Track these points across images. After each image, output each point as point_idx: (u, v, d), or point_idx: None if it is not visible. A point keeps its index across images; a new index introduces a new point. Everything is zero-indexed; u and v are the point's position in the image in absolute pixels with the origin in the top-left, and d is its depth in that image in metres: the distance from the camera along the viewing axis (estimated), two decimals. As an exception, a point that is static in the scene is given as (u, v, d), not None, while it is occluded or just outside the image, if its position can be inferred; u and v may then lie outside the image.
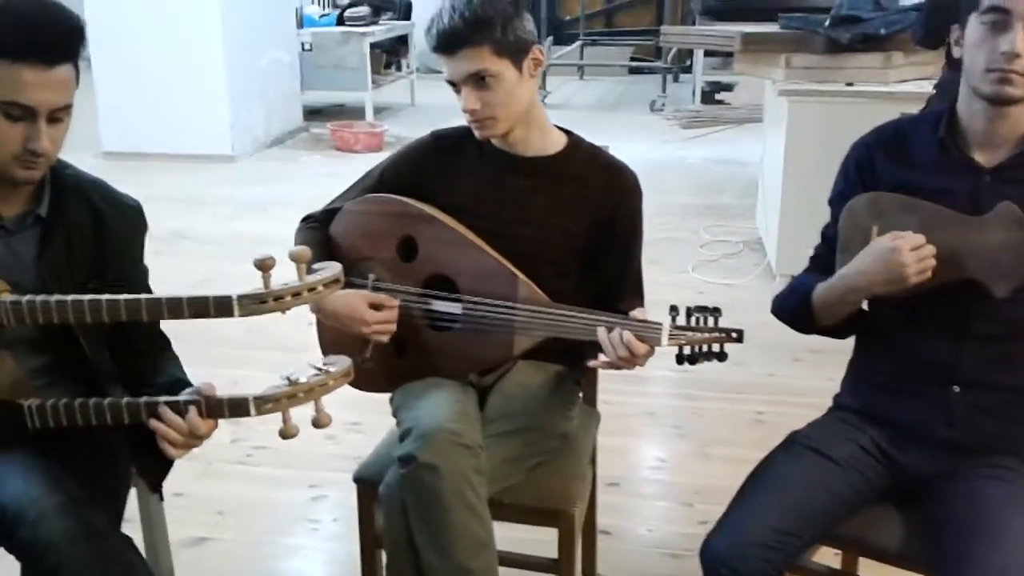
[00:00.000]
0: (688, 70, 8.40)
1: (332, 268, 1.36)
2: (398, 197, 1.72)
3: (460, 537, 1.44)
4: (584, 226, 1.68)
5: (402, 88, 8.30)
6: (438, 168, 1.73)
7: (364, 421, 2.70)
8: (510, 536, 1.67)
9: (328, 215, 1.81)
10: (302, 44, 7.24)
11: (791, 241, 3.61)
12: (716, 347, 1.50)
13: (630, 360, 1.49)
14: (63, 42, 1.38)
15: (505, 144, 1.70)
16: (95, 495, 1.40)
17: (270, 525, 2.35)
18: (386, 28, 7.86)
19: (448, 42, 1.59)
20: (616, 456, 2.56)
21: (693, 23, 7.79)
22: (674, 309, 1.49)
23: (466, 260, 1.65)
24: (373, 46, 7.41)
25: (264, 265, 1.29)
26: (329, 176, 5.91)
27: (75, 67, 1.42)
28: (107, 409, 1.38)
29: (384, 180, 1.78)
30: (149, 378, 1.52)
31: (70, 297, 1.33)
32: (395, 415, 1.67)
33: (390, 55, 8.25)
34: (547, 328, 1.59)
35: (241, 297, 1.30)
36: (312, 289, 1.32)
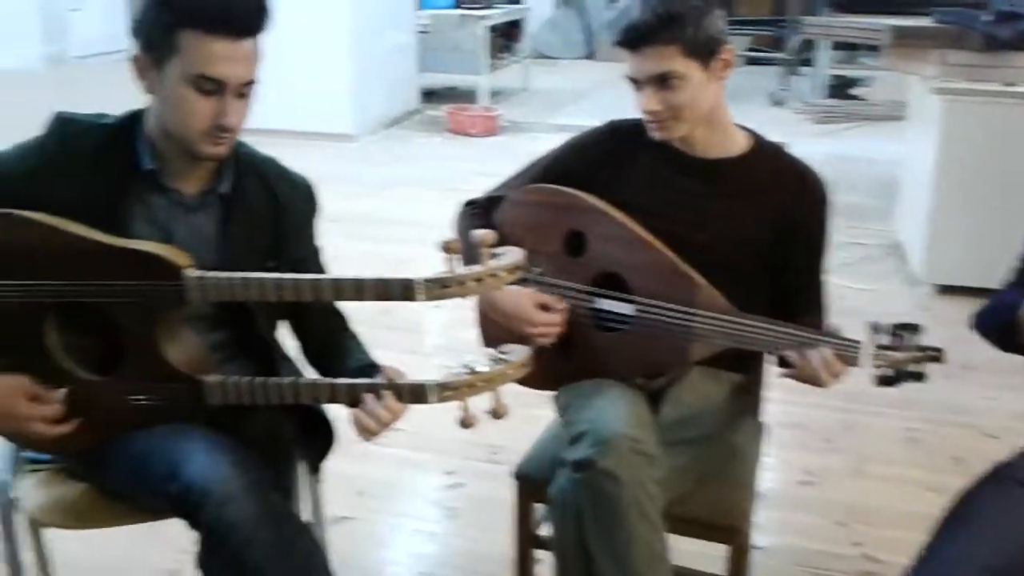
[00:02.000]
0: (808, 63, 8.12)
1: (514, 254, 1.32)
2: (569, 189, 1.66)
3: (637, 548, 1.39)
4: (766, 235, 1.60)
5: (515, 72, 8.25)
6: (612, 161, 1.67)
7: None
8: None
9: (491, 202, 1.77)
10: (421, 26, 7.27)
11: (942, 247, 3.44)
12: (915, 367, 1.41)
13: (821, 379, 1.41)
14: (253, 15, 1.37)
15: (684, 144, 1.63)
16: (272, 477, 1.41)
17: (409, 509, 2.35)
18: (502, 11, 7.82)
19: (635, 37, 1.51)
20: (763, 467, 2.47)
21: (813, 14, 7.53)
22: (876, 328, 1.40)
23: (640, 259, 1.59)
24: (489, 29, 7.38)
25: (450, 248, 1.26)
26: (448, 159, 5.94)
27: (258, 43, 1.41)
28: (287, 388, 1.38)
29: (552, 169, 1.72)
30: (336, 358, 1.52)
31: (255, 276, 1.34)
32: (562, 415, 1.62)
33: (505, 39, 8.20)
34: (728, 337, 1.52)
35: (426, 281, 1.28)
36: (494, 275, 1.29)
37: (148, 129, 1.44)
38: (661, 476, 1.45)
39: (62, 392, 1.40)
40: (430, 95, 7.54)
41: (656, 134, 1.59)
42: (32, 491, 1.56)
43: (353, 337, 1.62)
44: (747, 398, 1.72)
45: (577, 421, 1.49)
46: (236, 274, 1.33)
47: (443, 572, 2.12)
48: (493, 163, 5.97)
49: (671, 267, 1.56)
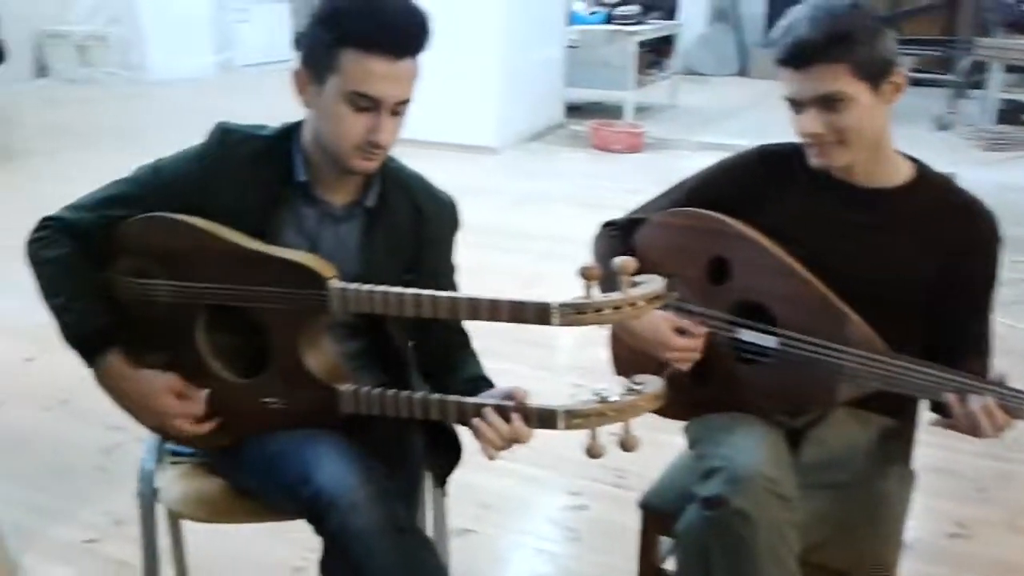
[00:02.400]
0: (978, 85, 7.65)
1: (655, 283, 1.28)
2: (717, 214, 1.60)
3: (768, 595, 1.32)
4: (928, 271, 1.49)
5: (663, 89, 8.16)
6: (762, 187, 1.60)
7: (626, 434, 2.62)
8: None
9: (632, 224, 1.73)
10: (570, 41, 7.28)
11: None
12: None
13: (981, 430, 1.30)
14: (413, 36, 1.39)
15: (843, 172, 1.53)
16: (398, 488, 1.42)
17: (531, 527, 2.33)
18: (653, 28, 7.75)
19: (801, 55, 1.42)
20: (909, 517, 2.33)
21: (986, 35, 7.09)
22: (1050, 378, 1.28)
23: (787, 290, 1.51)
24: (639, 45, 7.33)
25: (589, 275, 1.24)
26: (589, 175, 5.92)
27: (417, 62, 1.43)
28: (418, 403, 1.38)
29: (698, 192, 1.67)
30: (450, 372, 1.53)
31: (395, 290, 1.35)
32: (693, 447, 1.57)
33: (655, 55, 8.12)
34: (882, 379, 1.42)
35: (562, 306, 1.26)
36: (634, 304, 1.25)
37: (303, 141, 1.48)
38: (798, 520, 1.37)
39: (206, 392, 1.45)
40: (575, 110, 7.55)
41: (816, 160, 1.50)
42: (173, 482, 1.63)
43: (472, 355, 1.62)
44: (897, 444, 1.61)
45: (710, 455, 1.43)
46: (377, 288, 1.35)
47: (562, 595, 2.09)
48: (635, 180, 5.94)
49: (822, 300, 1.48)
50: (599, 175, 5.90)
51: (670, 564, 1.66)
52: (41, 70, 10.09)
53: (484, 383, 1.50)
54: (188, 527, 1.84)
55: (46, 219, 1.47)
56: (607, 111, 7.53)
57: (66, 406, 2.89)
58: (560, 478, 2.52)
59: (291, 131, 1.50)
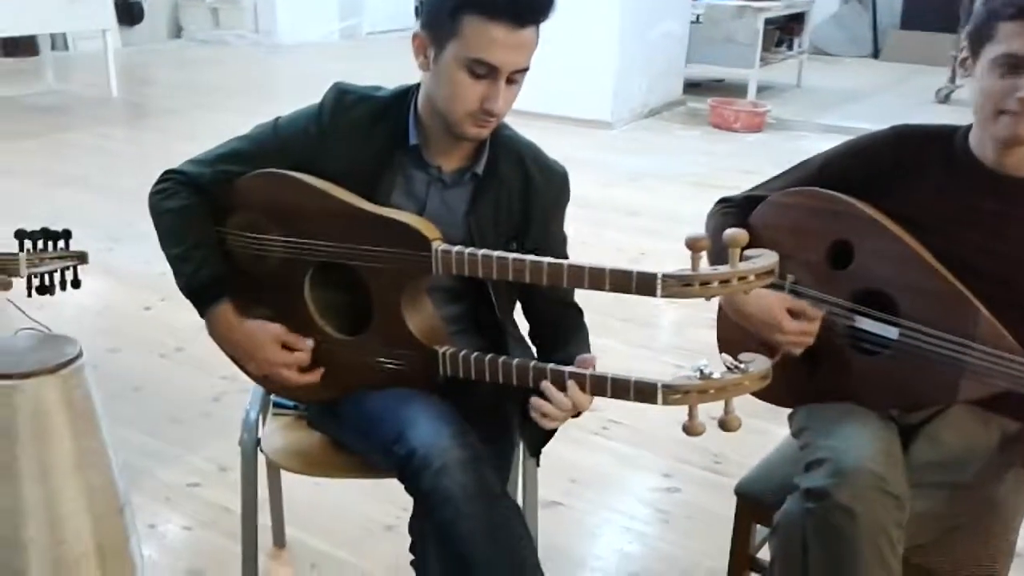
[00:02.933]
0: None
1: (767, 257, 1.23)
2: (843, 195, 1.52)
3: (868, 595, 1.26)
4: None
5: (789, 68, 7.89)
6: (895, 170, 1.50)
7: (727, 420, 2.56)
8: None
9: (749, 202, 1.66)
10: (694, 16, 7.11)
11: None
12: None
13: None
14: (536, 5, 1.36)
15: (985, 157, 1.44)
16: (491, 454, 1.41)
17: (621, 505, 2.30)
18: (783, 4, 7.48)
19: None
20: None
21: None
22: None
23: (914, 279, 1.43)
24: (767, 22, 7.08)
25: (696, 246, 1.19)
26: (704, 153, 5.78)
27: (538, 28, 1.40)
28: (515, 369, 1.37)
29: (826, 172, 1.58)
30: (556, 346, 1.50)
31: (496, 253, 1.33)
32: (798, 435, 1.50)
33: (782, 33, 7.85)
34: (1008, 379, 1.33)
35: (666, 277, 1.22)
36: (743, 278, 1.20)
37: (418, 105, 1.48)
38: (905, 520, 1.30)
39: (311, 342, 1.48)
40: (694, 86, 7.39)
41: (1007, 131, 1.37)
42: (274, 433, 1.67)
43: (581, 328, 1.59)
44: (1017, 448, 1.50)
45: (816, 446, 1.37)
46: (479, 251, 1.34)
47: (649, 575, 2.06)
48: (754, 160, 5.76)
49: (951, 292, 1.39)
50: (715, 154, 5.75)
51: (763, 554, 1.60)
52: (176, 31, 10.52)
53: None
54: (286, 478, 1.89)
55: (168, 172, 1.51)
56: (729, 89, 7.34)
57: (180, 354, 3.01)
58: (655, 458, 2.48)
59: (407, 94, 1.50)
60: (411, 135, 1.48)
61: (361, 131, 1.47)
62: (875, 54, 9.76)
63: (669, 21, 6.74)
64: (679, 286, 1.21)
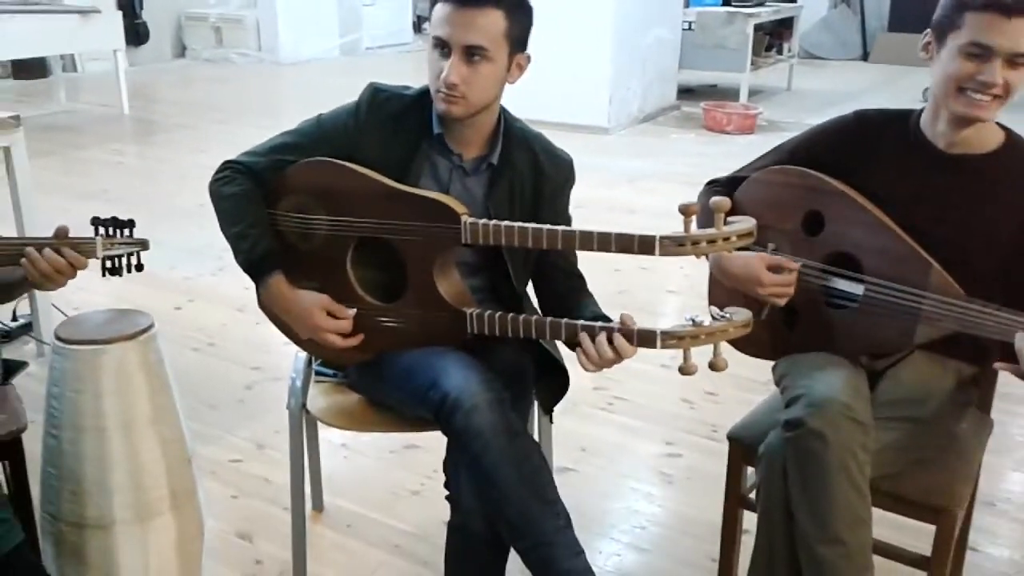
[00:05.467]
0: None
1: (745, 221, 1.44)
2: (814, 172, 1.74)
3: (839, 509, 1.47)
4: (1009, 234, 1.59)
5: (779, 72, 8.13)
6: (856, 150, 1.72)
7: (722, 394, 2.78)
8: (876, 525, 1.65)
9: (733, 182, 1.88)
10: (686, 23, 7.35)
11: None
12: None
13: None
14: None
15: (934, 136, 1.65)
16: (513, 399, 1.62)
17: (626, 469, 2.51)
18: (772, 10, 7.72)
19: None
20: (996, 476, 2.40)
21: None
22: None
23: (875, 242, 1.64)
24: (756, 28, 7.33)
25: (688, 210, 1.41)
26: (698, 155, 6.00)
27: (507, 16, 1.59)
28: (534, 324, 1.58)
29: (797, 153, 1.80)
30: (571, 310, 1.69)
31: (518, 224, 1.55)
32: (779, 382, 1.71)
33: (772, 37, 8.09)
34: (957, 322, 1.54)
35: (663, 238, 1.43)
36: (727, 239, 1.42)
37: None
38: (872, 447, 1.50)
39: (353, 310, 1.69)
40: (687, 92, 7.62)
41: (965, 110, 1.56)
42: (317, 397, 1.88)
43: (589, 295, 1.80)
44: (973, 390, 1.71)
45: (794, 387, 1.58)
46: (503, 222, 1.56)
47: (657, 528, 2.26)
48: (746, 160, 5.92)
49: (908, 251, 1.60)
50: (709, 155, 5.98)
51: (755, 494, 1.81)
52: (180, 50, 10.76)
53: (603, 320, 1.67)
54: (325, 451, 2.08)
55: (227, 162, 1.72)
56: (721, 94, 7.57)
57: (212, 348, 3.22)
58: (657, 429, 2.68)
59: (429, 91, 1.72)
60: (434, 125, 1.69)
61: (393, 124, 1.69)
62: (864, 56, 10.00)
63: (661, 28, 6.97)
64: (674, 246, 1.42)
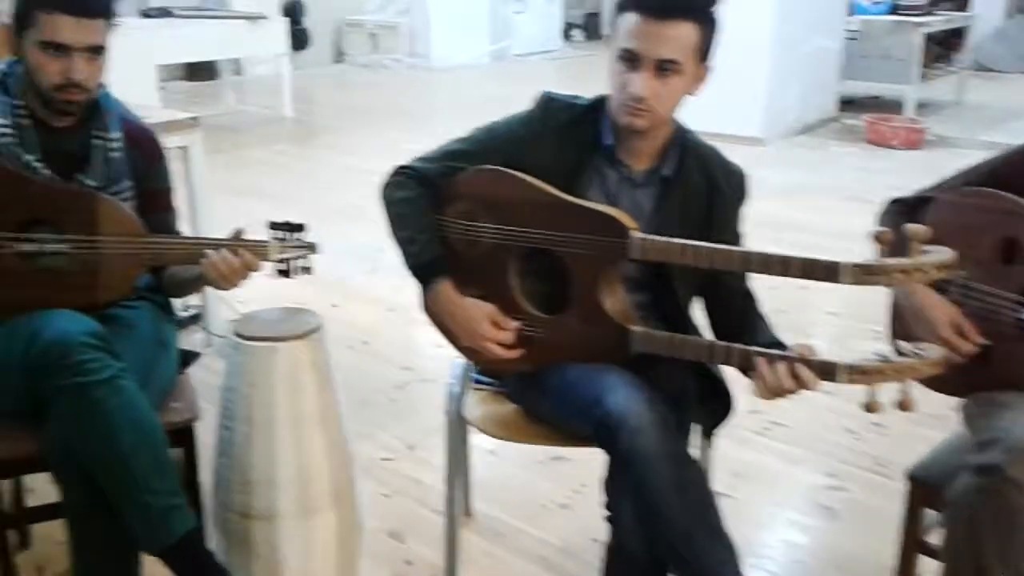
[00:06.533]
0: None
1: (944, 252, 1.34)
2: (1011, 195, 1.60)
3: (1041, 564, 1.34)
4: None
5: (950, 84, 7.67)
6: None
7: (890, 425, 2.62)
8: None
9: (919, 202, 1.76)
10: (849, 32, 7.04)
11: None
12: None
13: None
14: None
15: None
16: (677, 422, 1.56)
17: (782, 499, 2.40)
18: (943, 19, 7.31)
19: None
20: None
21: None
22: None
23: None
24: (925, 37, 6.94)
25: (882, 238, 1.32)
26: (861, 170, 5.73)
27: (699, 28, 1.56)
28: (706, 347, 1.52)
29: (992, 175, 1.67)
30: (746, 334, 1.62)
31: (692, 242, 1.49)
32: (969, 423, 1.59)
33: (942, 48, 7.65)
34: None
35: (851, 265, 1.35)
36: (921, 269, 1.32)
37: (609, 111, 1.66)
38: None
39: (517, 323, 1.67)
40: (848, 103, 7.30)
41: None
42: (475, 405, 1.87)
43: (763, 318, 1.72)
44: None
45: (987, 427, 1.46)
46: (675, 240, 1.50)
47: (815, 563, 2.15)
48: (912, 177, 5.56)
49: None
50: (872, 170, 5.70)
51: (933, 538, 1.68)
52: (338, 56, 11.17)
53: (779, 346, 1.59)
54: (477, 461, 2.07)
55: (400, 167, 1.74)
56: (884, 105, 7.21)
57: (365, 347, 3.30)
58: (817, 458, 2.55)
59: (602, 101, 1.68)
60: (606, 136, 1.66)
61: (564, 133, 1.67)
62: (1043, 69, 9.33)
63: (822, 36, 6.71)
64: (864, 274, 1.34)
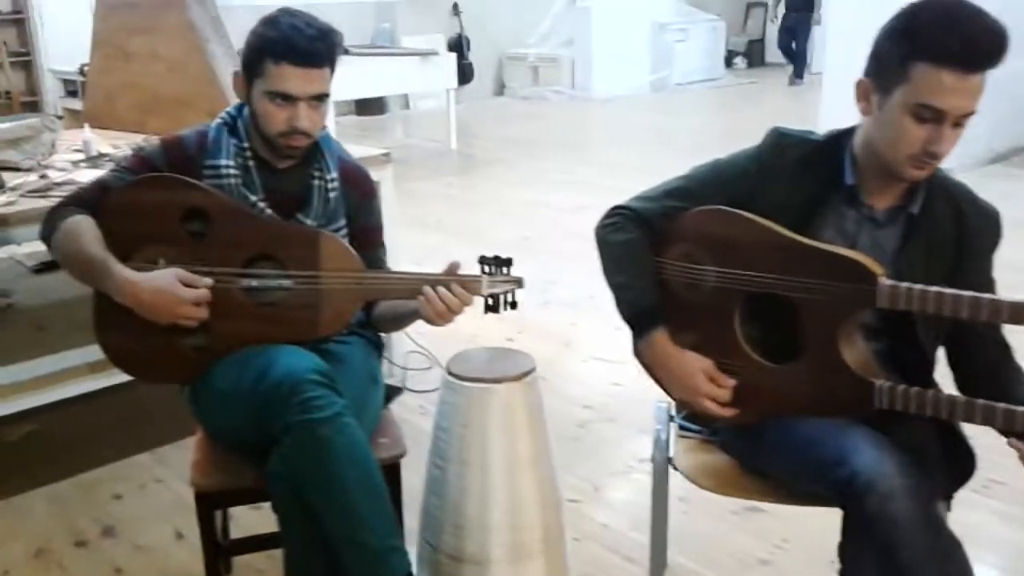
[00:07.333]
0: None
1: None
2: None
3: None
4: None
5: None
6: None
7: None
8: None
9: None
10: (1047, 54, 6.54)
11: None
12: None
13: None
14: (988, 52, 1.42)
15: None
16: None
17: (1007, 563, 2.19)
18: None
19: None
20: None
21: None
22: None
23: None
24: None
25: None
26: (1066, 203, 5.28)
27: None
28: (959, 406, 1.39)
29: None
30: (999, 390, 1.48)
31: (948, 290, 1.37)
32: None
33: None
34: None
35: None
36: None
37: (854, 147, 1.55)
38: None
39: (734, 383, 1.58)
40: (1044, 131, 6.78)
41: None
42: (682, 453, 1.79)
43: (1018, 370, 1.56)
44: None
45: None
46: (930, 288, 1.38)
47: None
48: None
49: None
50: (1077, 203, 5.23)
51: None
52: (499, 88, 11.38)
53: None
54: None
55: (617, 207, 1.70)
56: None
57: (545, 383, 3.23)
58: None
59: (841, 137, 1.58)
60: (847, 175, 1.55)
61: (797, 171, 1.57)
62: None
63: (1018, 60, 6.25)
64: None
